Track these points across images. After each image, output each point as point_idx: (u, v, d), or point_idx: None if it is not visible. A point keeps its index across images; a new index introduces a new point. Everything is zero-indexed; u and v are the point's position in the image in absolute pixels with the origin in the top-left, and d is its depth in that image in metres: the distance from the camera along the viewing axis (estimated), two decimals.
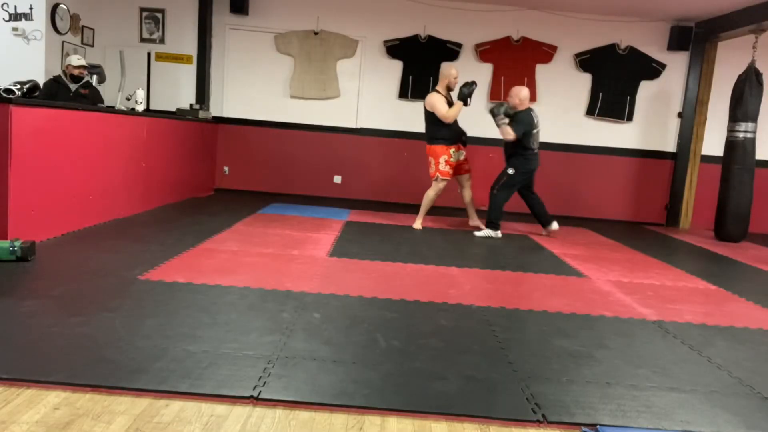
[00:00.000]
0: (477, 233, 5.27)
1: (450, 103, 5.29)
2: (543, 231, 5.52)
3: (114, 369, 1.98)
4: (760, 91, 6.04)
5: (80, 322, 2.38)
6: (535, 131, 5.17)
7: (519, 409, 1.93)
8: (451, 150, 5.34)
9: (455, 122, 5.34)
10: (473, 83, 5.32)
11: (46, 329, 2.29)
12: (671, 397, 2.11)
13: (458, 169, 5.48)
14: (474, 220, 5.67)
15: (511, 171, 5.20)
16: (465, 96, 5.26)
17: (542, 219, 5.47)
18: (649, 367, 2.38)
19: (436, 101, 5.24)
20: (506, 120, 5.16)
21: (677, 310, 3.30)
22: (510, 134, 5.09)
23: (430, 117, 5.32)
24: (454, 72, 5.39)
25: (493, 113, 5.27)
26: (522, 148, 5.17)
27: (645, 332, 2.86)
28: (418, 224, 5.48)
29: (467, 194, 5.61)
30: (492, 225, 5.24)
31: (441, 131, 5.30)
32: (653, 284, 3.90)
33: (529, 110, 5.19)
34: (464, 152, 5.51)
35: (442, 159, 5.28)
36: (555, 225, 5.42)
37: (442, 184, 5.35)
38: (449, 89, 5.39)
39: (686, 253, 5.46)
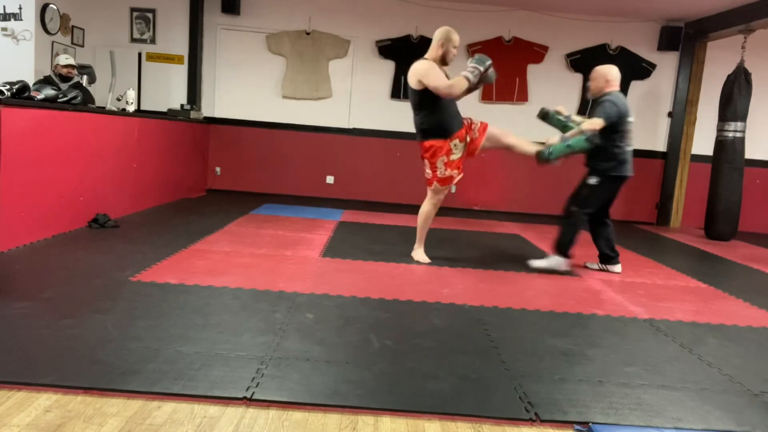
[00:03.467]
0: (534, 263, 3.98)
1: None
2: (596, 265, 4.17)
3: (106, 371, 1.97)
4: (748, 90, 6.10)
5: (71, 324, 2.37)
6: (630, 120, 3.78)
7: (512, 407, 1.94)
8: (453, 143, 3.78)
9: (454, 103, 3.81)
10: (488, 60, 3.71)
11: (37, 331, 2.27)
12: (662, 395, 2.13)
13: (475, 147, 3.90)
14: (531, 146, 4.04)
15: (593, 180, 3.81)
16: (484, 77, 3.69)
17: (606, 252, 4.12)
18: (640, 365, 2.40)
19: (429, 70, 3.62)
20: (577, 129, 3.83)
21: (668, 308, 3.32)
22: (597, 123, 3.69)
23: (418, 98, 3.73)
24: (455, 38, 3.72)
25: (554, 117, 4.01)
26: (612, 142, 3.76)
27: (636, 330, 2.88)
28: (420, 254, 4.05)
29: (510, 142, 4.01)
30: (560, 252, 3.97)
31: (434, 117, 3.74)
32: (644, 283, 3.92)
33: (618, 92, 3.85)
34: (475, 124, 3.90)
35: (440, 161, 3.80)
36: (618, 267, 4.13)
37: (441, 195, 3.93)
38: (444, 63, 3.78)
39: (677, 252, 5.50)
